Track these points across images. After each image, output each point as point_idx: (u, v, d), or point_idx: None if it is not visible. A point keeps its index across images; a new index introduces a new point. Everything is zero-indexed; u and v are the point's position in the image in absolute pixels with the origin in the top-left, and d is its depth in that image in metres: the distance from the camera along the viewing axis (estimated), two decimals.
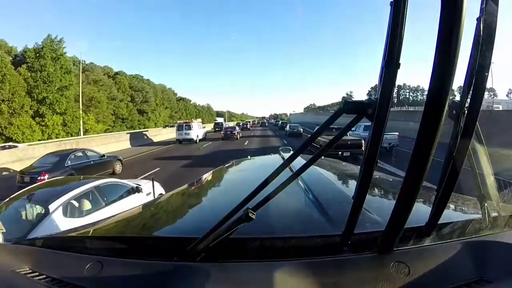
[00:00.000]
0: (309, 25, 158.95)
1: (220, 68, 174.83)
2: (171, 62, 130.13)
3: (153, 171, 9.90)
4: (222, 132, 24.62)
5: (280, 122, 43.63)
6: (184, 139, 20.18)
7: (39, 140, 20.66)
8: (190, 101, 73.05)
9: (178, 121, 24.44)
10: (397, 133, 11.83)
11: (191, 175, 7.28)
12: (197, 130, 21.29)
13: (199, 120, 26.65)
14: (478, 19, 0.62)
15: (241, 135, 25.24)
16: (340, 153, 9.04)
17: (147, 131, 26.15)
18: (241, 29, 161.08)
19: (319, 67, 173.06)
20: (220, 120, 47.81)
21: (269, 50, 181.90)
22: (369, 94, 73.75)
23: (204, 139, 22.64)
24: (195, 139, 20.47)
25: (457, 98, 0.71)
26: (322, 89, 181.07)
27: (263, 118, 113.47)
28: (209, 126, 39.88)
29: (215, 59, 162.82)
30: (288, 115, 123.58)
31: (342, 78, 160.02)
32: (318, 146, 5.46)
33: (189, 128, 20.40)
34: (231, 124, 43.20)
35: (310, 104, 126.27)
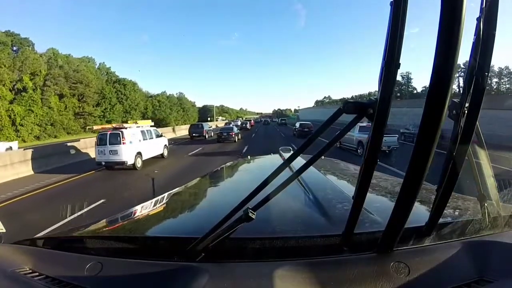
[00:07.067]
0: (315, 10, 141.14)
1: (212, 55, 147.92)
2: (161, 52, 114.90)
3: None
4: (217, 133, 19.91)
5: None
6: (108, 162, 9.85)
7: None
8: (135, 84, 44.27)
9: (95, 127, 12.57)
10: (397, 135, 11.10)
11: None
12: (136, 145, 10.33)
13: (147, 123, 12.81)
14: (478, 19, 0.62)
15: (239, 137, 20.20)
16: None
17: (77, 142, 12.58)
18: (240, 16, 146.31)
19: (335, 49, 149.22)
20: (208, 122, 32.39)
21: (271, 38, 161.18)
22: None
23: (162, 156, 12.04)
24: (130, 162, 9.81)
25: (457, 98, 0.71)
26: (339, 79, 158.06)
27: (267, 116, 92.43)
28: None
29: (207, 45, 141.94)
30: (293, 111, 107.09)
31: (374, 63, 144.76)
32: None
33: (117, 140, 9.71)
34: (220, 124, 31.96)
35: (325, 97, 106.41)
